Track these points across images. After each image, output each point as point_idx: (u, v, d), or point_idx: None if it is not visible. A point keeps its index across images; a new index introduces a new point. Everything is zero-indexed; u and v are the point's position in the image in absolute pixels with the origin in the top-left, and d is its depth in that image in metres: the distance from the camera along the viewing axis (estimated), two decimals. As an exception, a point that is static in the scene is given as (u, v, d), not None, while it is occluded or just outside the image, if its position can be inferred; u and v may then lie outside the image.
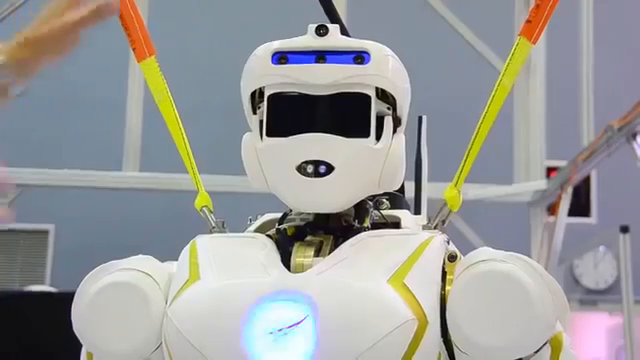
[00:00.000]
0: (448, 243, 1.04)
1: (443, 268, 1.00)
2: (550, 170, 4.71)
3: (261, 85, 1.05)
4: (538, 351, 0.98)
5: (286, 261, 1.01)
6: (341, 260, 0.99)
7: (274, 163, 1.03)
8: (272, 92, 1.03)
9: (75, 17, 1.04)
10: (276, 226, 1.08)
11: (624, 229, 3.91)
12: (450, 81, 5.76)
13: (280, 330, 0.94)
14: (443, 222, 1.07)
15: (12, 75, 1.04)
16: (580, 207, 5.20)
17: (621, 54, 5.95)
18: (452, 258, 1.01)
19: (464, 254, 1.03)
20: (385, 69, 1.03)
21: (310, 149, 1.01)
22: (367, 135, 1.02)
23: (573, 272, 6.16)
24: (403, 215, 1.14)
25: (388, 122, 1.04)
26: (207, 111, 5.49)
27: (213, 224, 1.13)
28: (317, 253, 1.02)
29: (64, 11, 1.05)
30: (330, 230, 1.05)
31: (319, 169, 1.01)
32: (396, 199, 1.16)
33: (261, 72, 1.04)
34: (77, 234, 6.14)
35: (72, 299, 1.04)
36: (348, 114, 1.02)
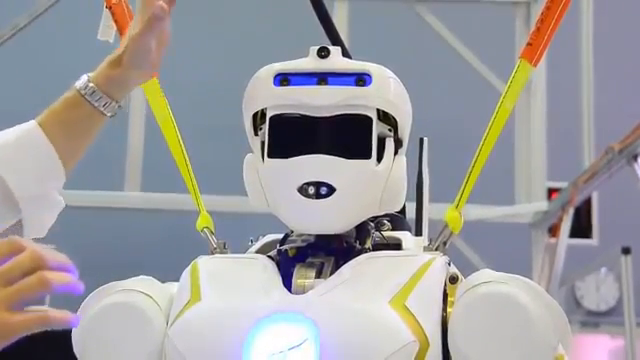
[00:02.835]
0: (449, 265, 1.04)
1: (444, 290, 1.00)
2: (551, 191, 4.71)
3: (263, 106, 1.05)
4: (540, 373, 0.97)
5: (287, 282, 1.01)
6: (342, 282, 0.99)
7: (275, 184, 1.04)
8: (274, 113, 1.04)
9: (132, 33, 1.09)
10: (277, 247, 1.08)
11: (626, 250, 3.90)
12: (451, 103, 5.77)
13: (281, 352, 0.93)
14: (444, 244, 1.07)
15: (103, 98, 1.09)
16: (581, 228, 5.19)
17: (621, 75, 5.97)
18: (453, 280, 1.01)
19: (465, 275, 1.02)
20: (386, 91, 1.04)
21: (311, 170, 1.01)
22: (368, 157, 1.02)
23: (574, 294, 6.13)
24: (404, 236, 1.14)
25: (389, 144, 1.04)
26: (209, 132, 5.49)
27: (214, 245, 1.13)
28: (318, 274, 1.02)
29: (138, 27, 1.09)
30: (331, 251, 1.05)
31: (320, 190, 1.01)
32: (397, 220, 1.16)
33: (263, 94, 1.04)
34: (78, 254, 6.13)
35: (72, 320, 1.04)
36: (349, 136, 1.02)
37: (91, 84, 1.09)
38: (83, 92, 1.09)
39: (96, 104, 1.09)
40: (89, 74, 1.11)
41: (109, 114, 1.11)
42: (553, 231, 4.33)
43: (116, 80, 1.10)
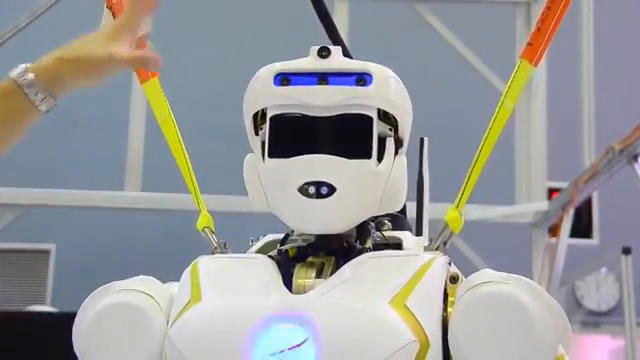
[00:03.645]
0: (450, 264, 1.04)
1: (445, 290, 1.00)
2: (552, 191, 4.71)
3: (263, 106, 1.05)
4: (540, 373, 0.97)
5: (288, 282, 1.01)
6: (343, 281, 0.99)
7: (276, 184, 1.04)
8: (274, 113, 1.04)
9: (115, 53, 1.06)
10: (278, 247, 1.08)
11: (626, 250, 3.90)
12: (452, 103, 5.77)
13: (281, 352, 0.94)
14: (445, 243, 1.07)
15: (42, 92, 1.04)
16: (582, 228, 5.19)
17: (622, 75, 5.97)
18: (454, 280, 1.01)
19: (465, 275, 1.03)
20: (387, 90, 1.04)
21: (312, 170, 1.01)
22: (369, 156, 1.02)
23: (575, 294, 6.14)
24: (405, 236, 1.14)
25: (390, 143, 1.04)
26: (209, 132, 5.49)
27: (215, 245, 1.13)
28: (319, 274, 1.02)
29: (107, 42, 1.06)
30: (332, 251, 1.05)
31: (321, 190, 1.01)
32: (398, 220, 1.16)
33: (263, 93, 1.04)
34: (78, 254, 6.13)
35: (73, 319, 1.04)
36: (350, 135, 1.02)
37: (30, 75, 1.04)
38: (20, 82, 1.03)
39: (33, 97, 1.03)
40: (28, 65, 1.05)
41: (44, 109, 1.05)
42: (553, 231, 4.33)
43: (63, 79, 1.05)
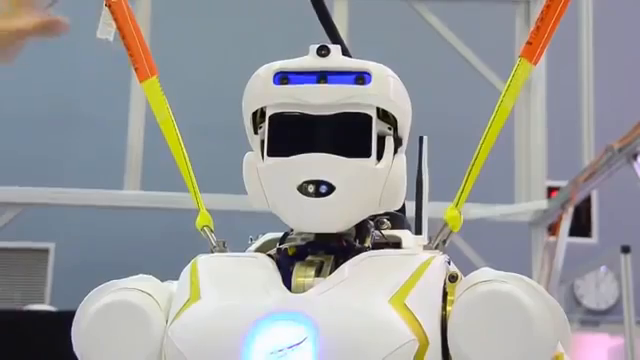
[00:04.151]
0: (449, 263, 1.04)
1: (444, 289, 1.00)
2: (551, 190, 4.72)
3: (262, 105, 1.05)
4: (539, 372, 0.97)
5: (287, 281, 1.01)
6: (342, 280, 0.99)
7: (275, 183, 1.04)
8: (273, 112, 1.04)
9: (19, 25, 1.02)
10: (277, 246, 1.08)
11: (625, 249, 3.91)
12: (451, 101, 5.78)
13: (280, 350, 0.94)
14: (444, 242, 1.07)
15: None
16: (581, 227, 5.20)
17: (622, 74, 5.97)
18: (453, 279, 1.01)
19: (465, 274, 1.03)
20: (386, 89, 1.04)
21: (311, 169, 1.01)
22: (368, 155, 1.02)
23: (574, 292, 6.15)
24: (404, 235, 1.14)
25: (389, 142, 1.04)
26: (209, 130, 5.49)
27: (214, 244, 1.13)
28: (318, 273, 1.02)
29: (7, 14, 1.03)
30: (331, 250, 1.05)
31: (320, 189, 1.01)
32: (397, 219, 1.16)
33: (262, 92, 1.04)
34: (77, 253, 6.14)
35: (72, 318, 1.04)
36: (349, 134, 1.02)
37: None
38: None
39: None
40: None
41: None
42: (553, 230, 4.34)
43: None
